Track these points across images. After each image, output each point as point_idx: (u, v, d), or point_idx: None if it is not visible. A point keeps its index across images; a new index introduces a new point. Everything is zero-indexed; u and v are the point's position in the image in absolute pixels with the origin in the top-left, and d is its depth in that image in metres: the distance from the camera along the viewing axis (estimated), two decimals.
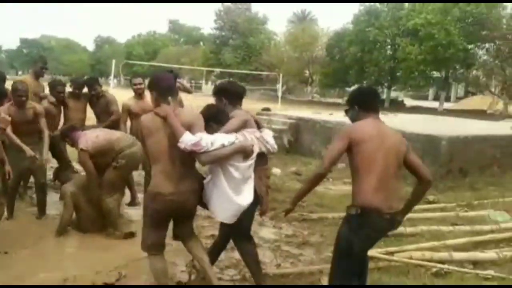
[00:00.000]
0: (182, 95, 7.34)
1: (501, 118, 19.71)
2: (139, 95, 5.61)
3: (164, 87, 3.07)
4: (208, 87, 53.54)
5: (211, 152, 2.94)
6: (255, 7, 45.53)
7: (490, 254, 4.16)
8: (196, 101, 10.42)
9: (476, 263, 4.06)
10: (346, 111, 3.04)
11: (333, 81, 35.58)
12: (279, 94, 25.58)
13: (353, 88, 41.55)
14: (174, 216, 3.18)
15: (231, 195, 3.08)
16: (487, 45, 26.78)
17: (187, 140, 2.89)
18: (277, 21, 79.39)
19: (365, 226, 2.75)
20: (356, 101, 2.95)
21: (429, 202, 6.18)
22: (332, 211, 5.63)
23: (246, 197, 3.13)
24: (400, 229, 4.72)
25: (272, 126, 9.75)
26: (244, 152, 3.09)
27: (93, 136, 4.49)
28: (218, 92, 3.43)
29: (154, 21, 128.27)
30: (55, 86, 5.65)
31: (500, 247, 4.40)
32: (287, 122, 10.03)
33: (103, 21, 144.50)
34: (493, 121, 14.57)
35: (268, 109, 11.87)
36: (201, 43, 59.11)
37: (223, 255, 4.12)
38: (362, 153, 2.72)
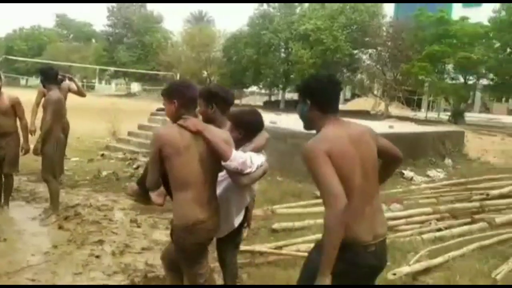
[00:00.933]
0: (76, 96, 6.94)
1: (382, 118, 21.58)
2: None
3: (189, 96, 2.63)
4: (102, 87, 51.11)
5: (253, 173, 2.65)
6: (150, 5, 44.31)
7: None
8: (90, 101, 9.86)
9: None
10: (296, 105, 2.35)
11: (230, 82, 35.97)
12: None
13: (250, 89, 42.59)
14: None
15: (232, 216, 2.90)
16: (370, 50, 29.05)
17: (238, 158, 2.54)
18: (173, 20, 77.98)
19: (345, 262, 2.01)
20: (309, 94, 2.20)
21: (317, 197, 6.52)
22: None
23: (240, 218, 2.99)
24: (289, 223, 4.99)
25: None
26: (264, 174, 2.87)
27: None
28: (208, 97, 2.96)
29: (39, 14, 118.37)
30: None
31: None
32: None
33: None
34: (375, 120, 15.88)
35: (163, 109, 11.59)
36: (93, 40, 56.13)
37: (111, 261, 3.98)
38: (339, 172, 2.01)
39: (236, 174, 2.61)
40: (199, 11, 58.33)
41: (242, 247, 4.20)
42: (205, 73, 39.89)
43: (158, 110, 11.54)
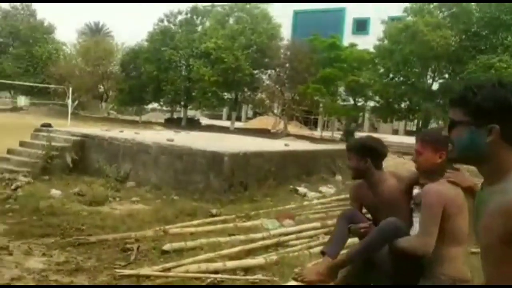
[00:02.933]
0: None
1: (282, 136, 22.29)
2: None
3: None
4: None
5: None
6: (40, 14, 41.32)
7: (258, 259, 4.51)
8: None
9: (247, 270, 4.34)
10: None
11: (129, 98, 34.78)
12: (69, 109, 23.72)
13: (151, 106, 41.49)
14: None
15: None
16: (269, 71, 30.04)
17: None
18: (66, 31, 73.78)
19: None
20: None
21: (212, 215, 6.43)
22: (114, 232, 5.36)
23: None
24: (181, 243, 4.81)
25: (54, 143, 8.91)
26: None
27: None
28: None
29: None
30: None
31: (268, 252, 4.82)
32: (71, 139, 9.28)
33: None
34: (274, 139, 16.31)
35: (49, 125, 10.78)
36: None
37: None
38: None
39: None
40: (95, 23, 56.00)
41: (126, 271, 3.95)
42: (101, 88, 38.13)
43: (43, 125, 10.69)
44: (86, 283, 3.94)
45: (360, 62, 25.56)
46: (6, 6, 39.92)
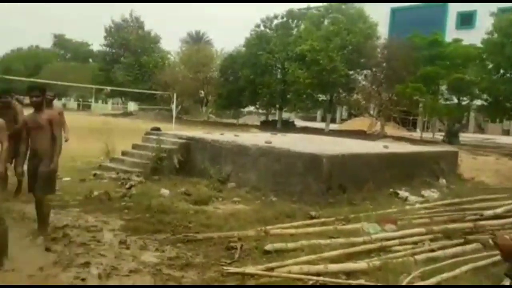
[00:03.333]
0: (72, 116, 6.98)
1: (379, 138, 21.63)
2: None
3: None
4: (98, 106, 51.19)
5: None
6: (148, 25, 44.69)
7: (361, 264, 4.44)
8: (85, 120, 9.84)
9: (349, 274, 4.30)
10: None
11: (227, 102, 36.16)
12: (174, 114, 25.30)
13: (247, 109, 42.71)
14: None
15: None
16: (365, 71, 29.30)
17: None
18: (170, 40, 78.78)
19: None
20: None
21: (311, 218, 6.46)
22: (219, 231, 5.62)
23: None
24: (282, 244, 4.91)
25: (162, 146, 9.57)
26: None
27: None
28: None
29: (37, 35, 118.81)
30: None
31: (370, 257, 4.73)
32: (178, 142, 9.90)
33: None
34: (371, 140, 15.89)
35: (158, 129, 11.60)
36: (90, 60, 56.45)
37: (97, 284, 3.90)
38: None
39: None
40: (197, 32, 59.02)
41: (232, 269, 4.14)
42: (202, 93, 40.06)
43: (153, 129, 11.52)
44: (195, 278, 4.20)
45: (465, 59, 23.88)
46: (117, 19, 43.73)
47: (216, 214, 6.67)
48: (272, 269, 4.14)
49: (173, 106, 27.41)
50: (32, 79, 32.06)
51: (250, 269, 4.10)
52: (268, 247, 4.88)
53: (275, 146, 8.67)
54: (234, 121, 38.59)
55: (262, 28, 33.49)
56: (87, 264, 4.23)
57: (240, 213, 6.74)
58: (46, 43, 64.91)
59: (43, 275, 3.99)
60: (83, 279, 3.91)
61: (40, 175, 4.88)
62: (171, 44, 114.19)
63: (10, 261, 4.13)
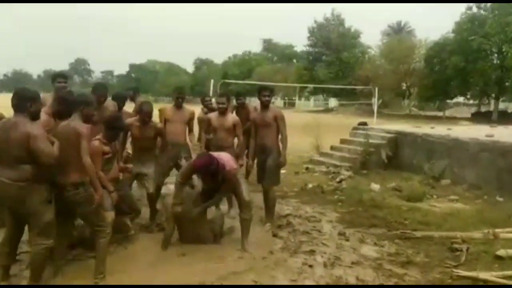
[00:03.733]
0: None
1: None
2: (221, 113, 5.66)
3: None
4: (301, 103, 53.90)
5: None
6: (348, 22, 45.04)
7: None
8: (292, 117, 10.51)
9: None
10: None
11: (433, 94, 33.85)
12: (375, 108, 24.85)
13: (455, 100, 39.15)
14: None
15: None
16: None
17: None
18: (370, 34, 77.47)
19: None
20: None
21: None
22: (438, 230, 5.32)
23: None
24: None
25: (370, 140, 9.52)
26: None
27: None
28: None
29: (249, 41, 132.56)
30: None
31: None
32: (386, 136, 9.71)
33: (202, 44, 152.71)
34: None
35: (364, 123, 11.57)
36: (294, 61, 59.72)
37: (323, 272, 4.09)
38: None
39: None
40: (397, 23, 56.69)
41: (463, 273, 3.87)
42: (404, 86, 38.40)
43: (360, 124, 11.55)
44: (418, 277, 4.05)
45: None
46: (320, 19, 45.29)
47: (433, 212, 6.33)
48: (510, 277, 3.72)
49: (374, 100, 26.90)
50: (246, 82, 35.77)
51: (484, 275, 3.77)
52: (501, 252, 4.40)
53: (499, 140, 7.73)
54: (440, 113, 35.80)
55: (474, 10, 30.19)
56: (312, 252, 4.51)
57: (459, 212, 6.24)
58: (256, 48, 71.39)
59: (273, 258, 4.40)
60: (310, 266, 4.17)
61: (269, 168, 5.40)
62: (371, 38, 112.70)
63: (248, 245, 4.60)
